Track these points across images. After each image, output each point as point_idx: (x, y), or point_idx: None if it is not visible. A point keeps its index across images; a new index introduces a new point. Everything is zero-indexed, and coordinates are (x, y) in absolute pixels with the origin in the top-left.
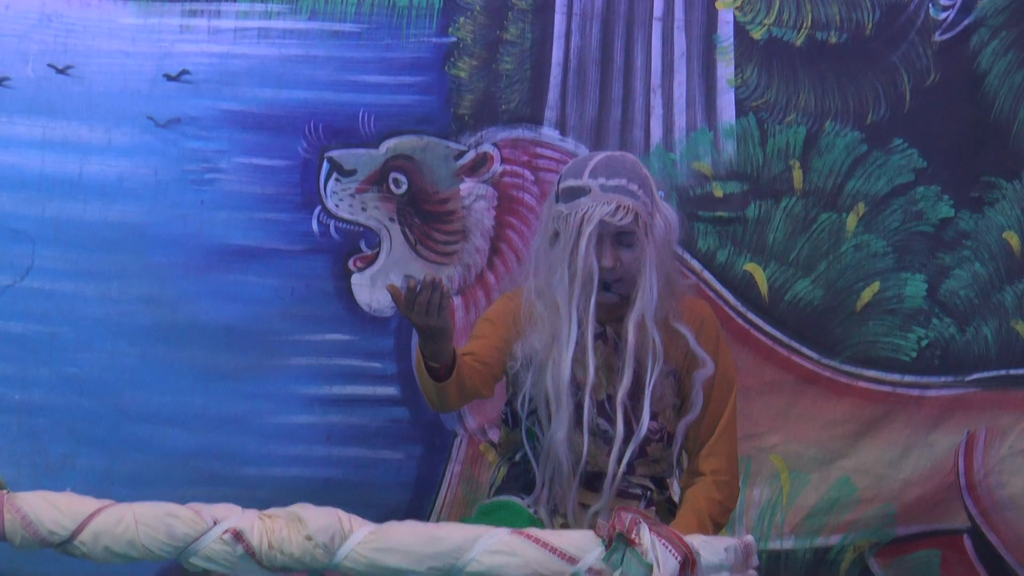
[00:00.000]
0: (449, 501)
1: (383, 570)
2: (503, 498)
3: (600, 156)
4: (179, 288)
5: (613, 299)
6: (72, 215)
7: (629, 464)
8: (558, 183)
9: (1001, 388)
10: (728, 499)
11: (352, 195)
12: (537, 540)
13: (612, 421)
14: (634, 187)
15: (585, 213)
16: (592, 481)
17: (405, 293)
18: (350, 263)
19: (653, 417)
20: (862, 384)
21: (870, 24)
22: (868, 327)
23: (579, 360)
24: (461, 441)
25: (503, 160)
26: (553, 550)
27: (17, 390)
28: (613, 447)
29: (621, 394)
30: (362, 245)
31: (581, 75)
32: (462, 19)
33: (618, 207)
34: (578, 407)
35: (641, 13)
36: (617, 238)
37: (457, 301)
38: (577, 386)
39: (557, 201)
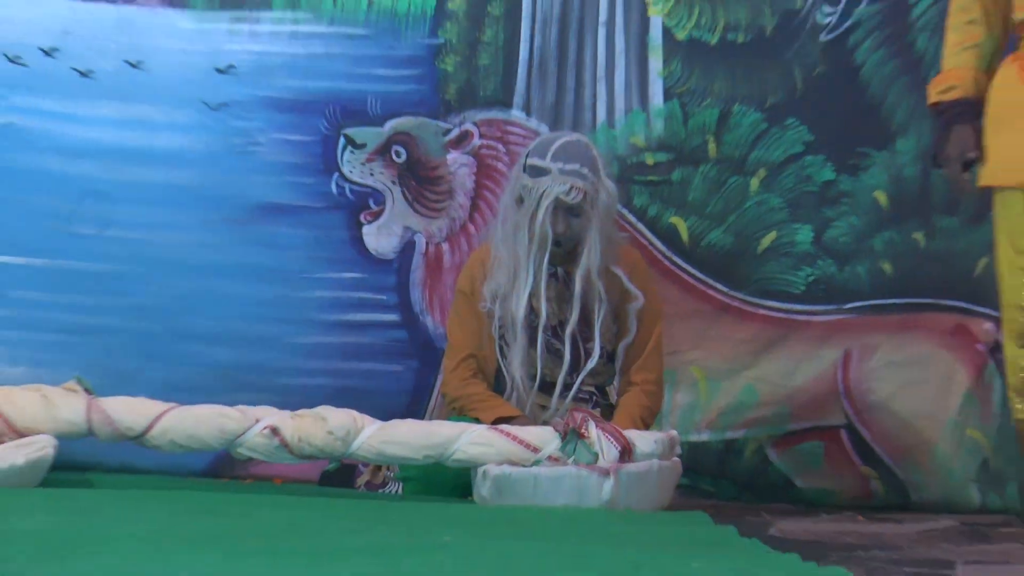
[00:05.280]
0: (439, 404)
1: (388, 458)
2: None
3: (560, 141)
4: (226, 236)
5: (562, 252)
6: (143, 179)
7: (575, 383)
8: (525, 156)
9: (872, 314)
10: (654, 404)
11: (363, 163)
12: (508, 434)
13: (564, 343)
14: (585, 171)
15: (545, 190)
16: (548, 388)
17: None
18: (361, 217)
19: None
20: (763, 312)
21: (770, 27)
22: (767, 267)
23: (535, 297)
24: None
25: (481, 135)
26: (520, 442)
27: (97, 317)
28: (562, 367)
29: (570, 328)
30: (370, 203)
31: (542, 68)
32: (448, 24)
33: (571, 188)
34: (533, 335)
35: (590, 18)
36: (568, 209)
37: (445, 246)
38: (535, 315)
39: (524, 171)
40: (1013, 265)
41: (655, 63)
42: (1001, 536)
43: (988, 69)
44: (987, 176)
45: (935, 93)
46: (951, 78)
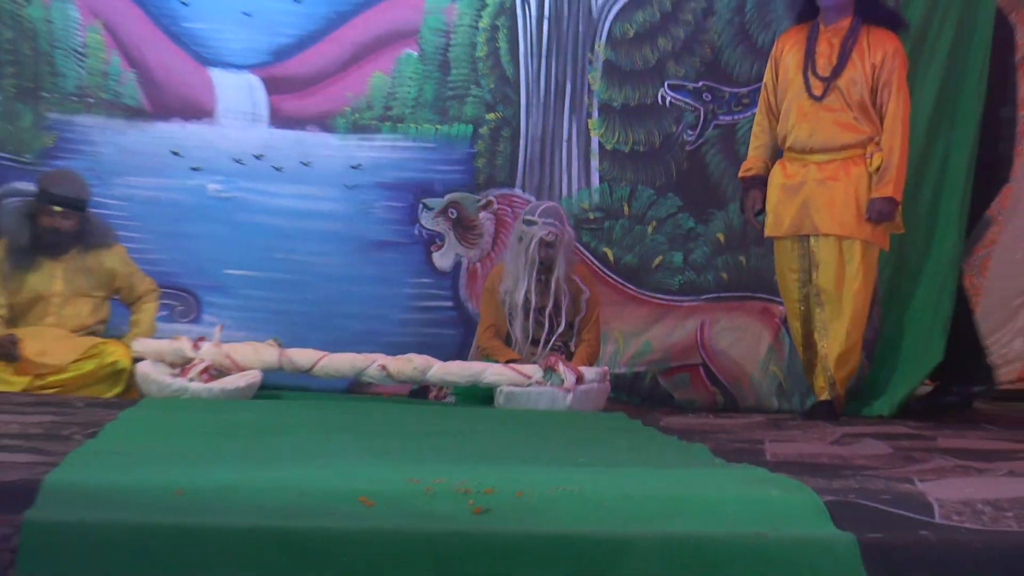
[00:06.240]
0: (474, 352)
1: (447, 382)
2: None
3: (543, 205)
4: (357, 259)
5: (543, 267)
6: (311, 228)
7: (551, 340)
8: (524, 214)
9: (716, 302)
10: (595, 352)
11: (433, 219)
12: (513, 368)
13: (544, 318)
14: (557, 222)
15: (534, 233)
16: (536, 343)
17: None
18: (431, 248)
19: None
20: (655, 300)
21: (657, 142)
22: (656, 276)
23: (527, 294)
24: None
25: (498, 203)
26: (520, 373)
27: (285, 304)
28: (543, 334)
29: (548, 310)
30: (437, 240)
31: (531, 166)
32: (479, 141)
33: (549, 232)
34: (527, 313)
35: (558, 137)
36: (547, 244)
37: (478, 265)
38: (528, 302)
39: (522, 223)
40: (786, 278)
41: (595, 162)
42: (790, 426)
43: (772, 158)
44: (766, 230)
45: (741, 172)
46: (749, 163)
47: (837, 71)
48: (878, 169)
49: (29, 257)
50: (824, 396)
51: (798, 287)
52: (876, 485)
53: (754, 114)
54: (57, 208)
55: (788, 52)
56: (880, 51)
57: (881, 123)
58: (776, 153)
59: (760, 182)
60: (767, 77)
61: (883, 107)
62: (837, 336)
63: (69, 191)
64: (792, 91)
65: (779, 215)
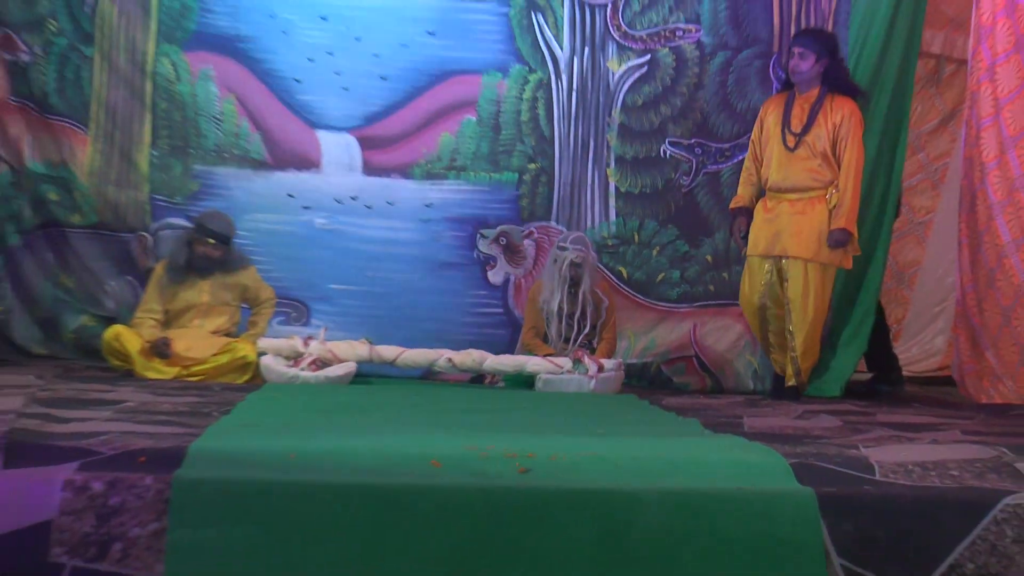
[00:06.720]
0: (519, 349)
1: (497, 371)
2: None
3: (573, 235)
4: (428, 275)
5: (572, 282)
6: (394, 251)
7: (578, 338)
8: (558, 241)
9: (705, 308)
10: (612, 348)
11: (488, 245)
12: (550, 360)
13: (574, 322)
14: (584, 248)
15: (565, 256)
16: (567, 341)
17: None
18: (486, 268)
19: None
20: (658, 307)
21: (660, 186)
22: (660, 288)
23: (560, 303)
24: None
25: (538, 232)
26: (555, 363)
27: (373, 310)
28: (572, 334)
29: (576, 316)
30: (491, 262)
31: (562, 204)
32: (523, 186)
33: (577, 255)
34: (560, 318)
35: (584, 183)
36: (576, 265)
37: (523, 281)
38: (561, 310)
39: (556, 248)
40: (752, 289)
41: (612, 201)
42: (763, 404)
43: (756, 195)
44: (748, 251)
45: (732, 204)
46: (738, 197)
47: (806, 129)
48: (835, 206)
49: (183, 274)
50: (791, 382)
51: (759, 296)
52: (830, 450)
53: (735, 164)
54: (210, 240)
55: (770, 114)
56: (840, 114)
57: (839, 170)
58: (760, 191)
59: (746, 212)
60: (755, 133)
61: (841, 157)
62: (801, 336)
63: (220, 228)
64: (772, 143)
65: (757, 239)
